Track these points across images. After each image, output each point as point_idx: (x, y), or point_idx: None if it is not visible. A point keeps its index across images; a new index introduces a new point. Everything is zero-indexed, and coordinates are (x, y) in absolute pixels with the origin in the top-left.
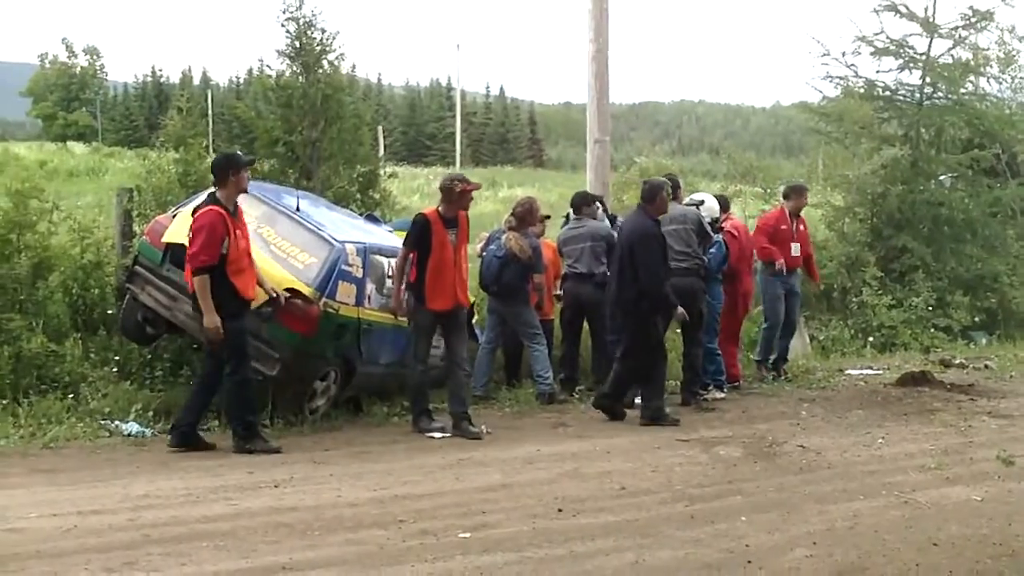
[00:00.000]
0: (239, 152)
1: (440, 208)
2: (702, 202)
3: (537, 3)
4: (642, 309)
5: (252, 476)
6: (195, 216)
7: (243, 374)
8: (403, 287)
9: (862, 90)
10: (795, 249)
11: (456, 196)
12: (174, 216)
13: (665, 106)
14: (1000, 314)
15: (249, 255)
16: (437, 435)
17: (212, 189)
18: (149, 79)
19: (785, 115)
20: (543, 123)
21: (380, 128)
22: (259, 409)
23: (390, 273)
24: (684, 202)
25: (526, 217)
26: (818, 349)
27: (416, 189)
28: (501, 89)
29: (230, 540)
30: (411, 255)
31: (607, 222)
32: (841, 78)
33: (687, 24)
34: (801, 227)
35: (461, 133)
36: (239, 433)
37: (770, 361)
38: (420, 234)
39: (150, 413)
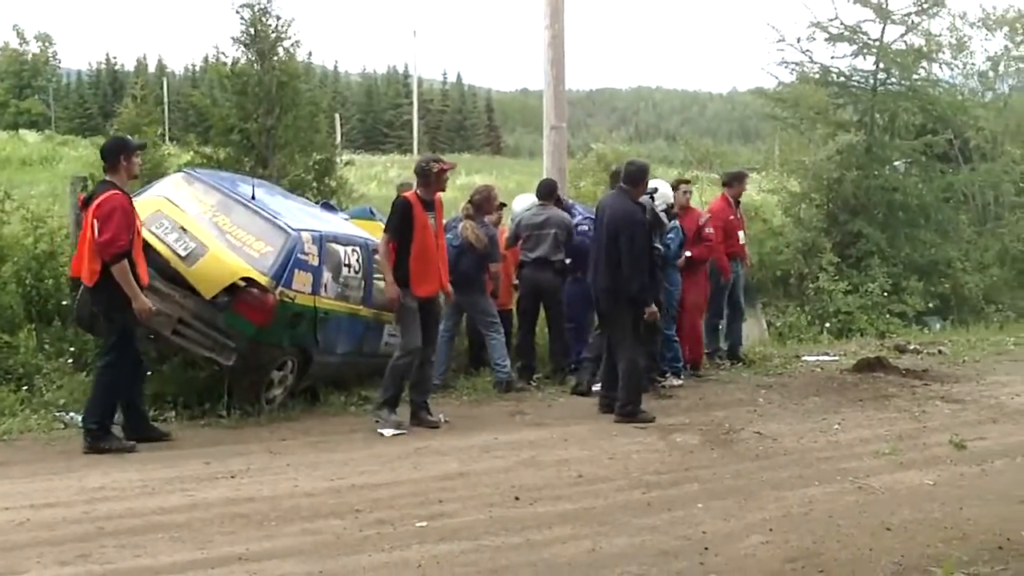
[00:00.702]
0: (129, 137)
1: (419, 191)
2: (655, 190)
3: None
4: (633, 297)
5: (208, 467)
6: (98, 202)
7: (119, 365)
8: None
9: (817, 76)
10: (742, 237)
11: (433, 177)
12: None
13: (622, 92)
14: (953, 299)
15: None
16: (388, 432)
17: (105, 177)
18: (103, 66)
19: (741, 101)
20: (500, 110)
21: (337, 116)
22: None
23: (347, 261)
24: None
25: (483, 205)
26: (775, 335)
27: (373, 176)
28: (458, 76)
29: (186, 531)
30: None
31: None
32: (796, 64)
33: (644, 10)
34: (740, 213)
35: (418, 120)
36: (92, 432)
37: (725, 350)
38: (403, 218)
39: None
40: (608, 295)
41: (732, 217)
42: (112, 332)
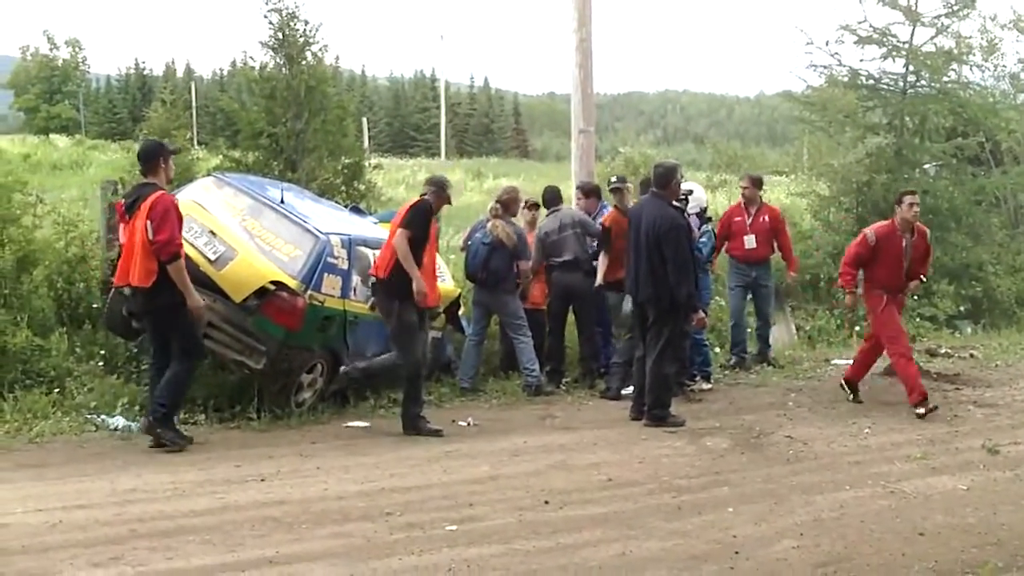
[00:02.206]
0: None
1: (432, 201)
2: (690, 192)
3: None
4: (678, 305)
5: (239, 470)
6: (151, 203)
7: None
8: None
9: (846, 79)
10: (749, 241)
11: (446, 193)
12: None
13: (649, 96)
14: (985, 303)
15: None
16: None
17: (144, 180)
18: (132, 71)
19: (769, 104)
20: (527, 114)
21: (364, 119)
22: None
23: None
24: None
25: (510, 204)
26: (804, 339)
27: (401, 180)
28: (485, 80)
29: (216, 534)
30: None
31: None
32: (825, 67)
33: (671, 13)
34: (764, 218)
35: (446, 124)
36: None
37: (755, 353)
38: (426, 220)
39: (136, 407)
40: (654, 303)
41: (737, 219)
42: (184, 336)
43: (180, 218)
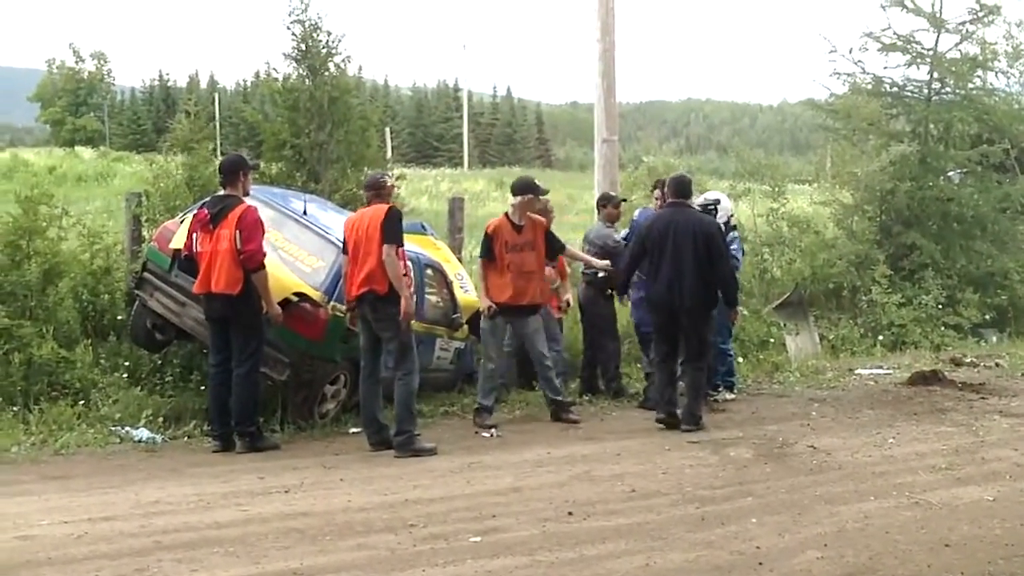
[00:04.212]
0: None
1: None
2: (717, 201)
3: (543, 3)
4: (711, 309)
5: (263, 481)
6: (239, 215)
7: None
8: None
9: (869, 86)
10: None
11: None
12: (182, 221)
13: (672, 104)
14: (1011, 311)
15: None
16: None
17: (224, 192)
18: (156, 83)
19: (792, 112)
20: (550, 123)
21: (387, 130)
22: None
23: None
24: (697, 203)
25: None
26: (828, 348)
27: (424, 191)
28: (508, 89)
29: (240, 546)
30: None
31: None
32: (848, 75)
33: (694, 22)
34: None
35: (468, 134)
36: (250, 434)
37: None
38: (401, 227)
39: (160, 419)
40: (700, 309)
41: None
42: (252, 340)
43: (264, 230)
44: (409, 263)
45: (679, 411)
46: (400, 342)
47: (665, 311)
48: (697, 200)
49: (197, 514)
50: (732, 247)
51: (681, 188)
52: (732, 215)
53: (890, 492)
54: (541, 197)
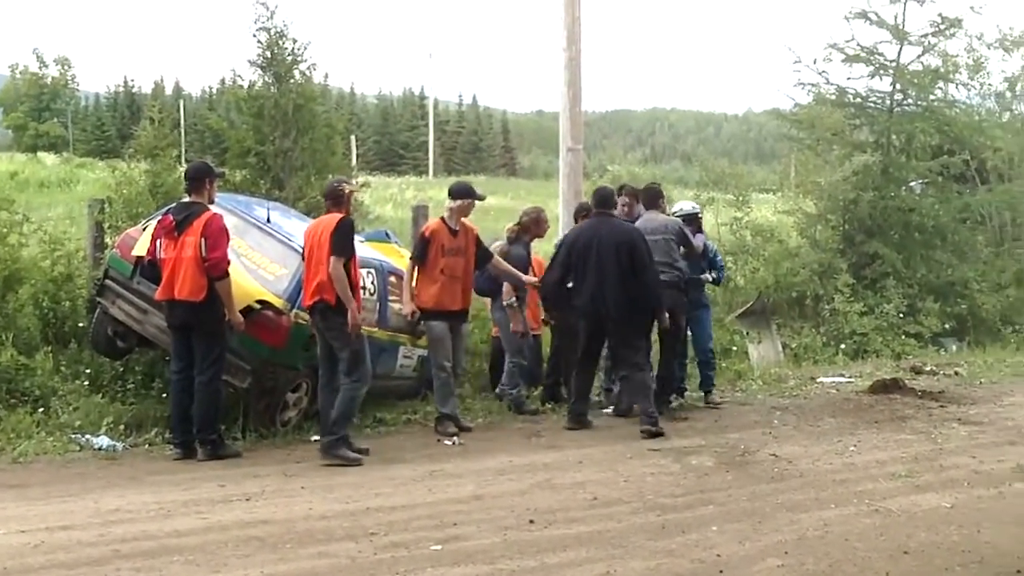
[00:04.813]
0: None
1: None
2: (680, 209)
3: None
4: (636, 317)
5: (224, 489)
6: (205, 222)
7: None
8: None
9: (833, 97)
10: None
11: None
12: (145, 228)
13: (638, 114)
14: (970, 320)
15: None
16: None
17: (189, 199)
18: (121, 89)
19: (757, 122)
20: (516, 131)
21: (353, 137)
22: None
23: (361, 284)
24: (675, 213)
25: (530, 227)
26: (790, 357)
27: (389, 198)
28: (474, 98)
29: (200, 554)
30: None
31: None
32: (813, 85)
33: (660, 32)
34: None
35: (434, 142)
36: (212, 442)
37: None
38: (352, 238)
39: (121, 427)
40: (624, 318)
41: None
42: (214, 347)
43: (229, 238)
44: (365, 272)
45: (590, 419)
46: (351, 351)
47: (591, 321)
48: (673, 209)
49: (157, 522)
50: (717, 258)
51: (605, 199)
52: (695, 214)
53: (850, 499)
54: (477, 201)
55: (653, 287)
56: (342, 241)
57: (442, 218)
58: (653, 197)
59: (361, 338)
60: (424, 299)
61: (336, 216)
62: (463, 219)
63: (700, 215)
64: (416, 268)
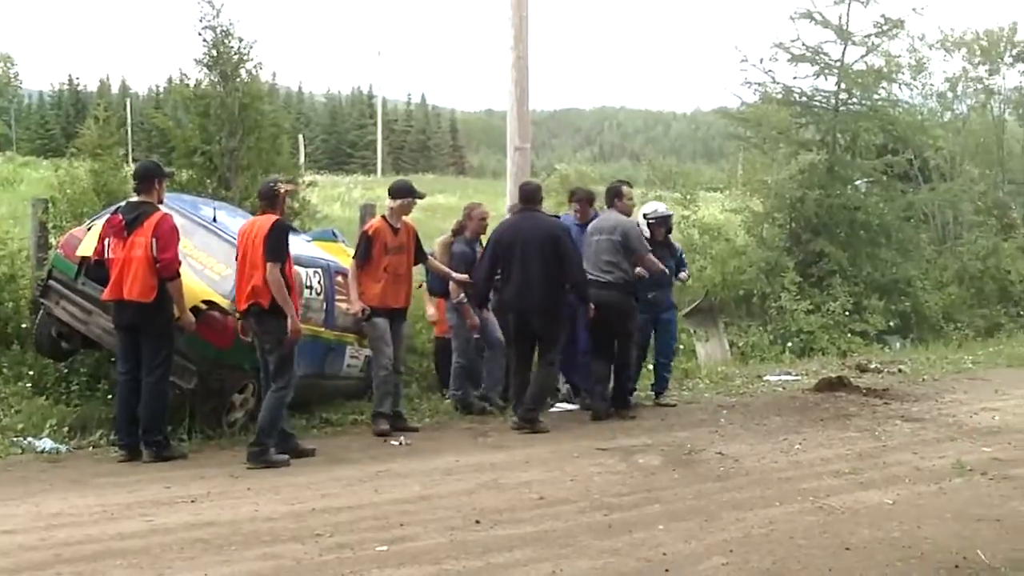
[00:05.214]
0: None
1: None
2: (654, 211)
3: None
4: (561, 312)
5: (169, 491)
6: (156, 222)
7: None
8: None
9: (779, 96)
10: None
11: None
12: (89, 229)
13: (586, 112)
14: (914, 318)
15: None
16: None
17: (137, 198)
18: (66, 87)
19: (705, 121)
20: (465, 130)
21: (301, 136)
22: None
23: (308, 283)
24: (643, 213)
25: (465, 223)
26: (737, 355)
27: (337, 197)
28: (422, 97)
29: (144, 557)
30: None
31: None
32: (759, 84)
33: (608, 31)
34: None
35: (382, 141)
36: (158, 443)
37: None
38: (288, 240)
39: (65, 429)
40: (548, 312)
41: None
42: (163, 348)
43: (179, 238)
44: (312, 272)
45: (534, 413)
46: (280, 356)
47: (517, 316)
48: (646, 211)
49: (100, 525)
50: (684, 258)
51: (530, 195)
52: (667, 219)
53: (795, 497)
54: (418, 200)
55: (578, 282)
56: (277, 245)
57: (383, 216)
58: (610, 195)
59: (292, 343)
60: (368, 297)
61: (271, 217)
62: (404, 217)
63: (657, 220)
64: (358, 267)
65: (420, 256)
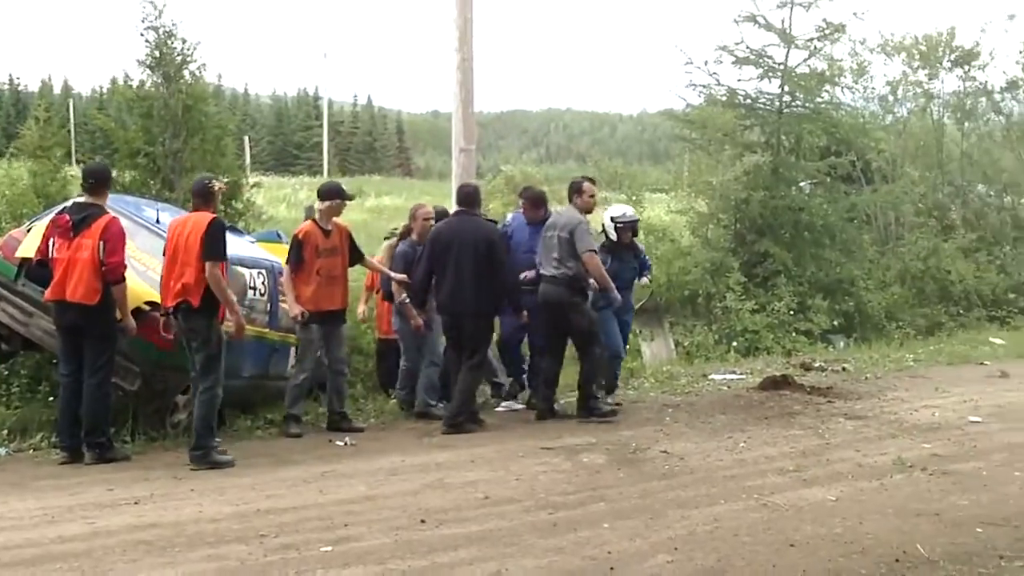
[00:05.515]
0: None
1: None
2: (637, 220)
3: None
4: (492, 315)
5: (112, 493)
6: (104, 225)
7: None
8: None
9: (724, 98)
10: None
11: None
12: (29, 230)
13: (533, 114)
14: (857, 317)
15: None
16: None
17: (85, 199)
18: (6, 87)
19: (651, 122)
20: (411, 132)
21: (246, 138)
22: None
23: (252, 284)
24: (611, 216)
25: (411, 224)
26: (683, 354)
27: (283, 199)
28: (369, 98)
29: (85, 560)
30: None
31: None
32: (704, 86)
33: (555, 32)
34: None
35: (328, 142)
36: (101, 444)
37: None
38: (225, 238)
39: (5, 431)
40: (479, 316)
41: None
42: (106, 350)
43: (126, 242)
44: (256, 273)
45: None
46: (206, 355)
47: (451, 318)
48: (612, 213)
49: (40, 529)
50: (645, 257)
51: (467, 197)
52: (635, 223)
53: (740, 495)
54: (347, 201)
55: (512, 286)
56: (216, 244)
57: (313, 219)
58: (571, 191)
59: (220, 342)
60: (302, 301)
61: (207, 216)
62: (335, 219)
63: (623, 225)
64: (291, 272)
65: (356, 256)
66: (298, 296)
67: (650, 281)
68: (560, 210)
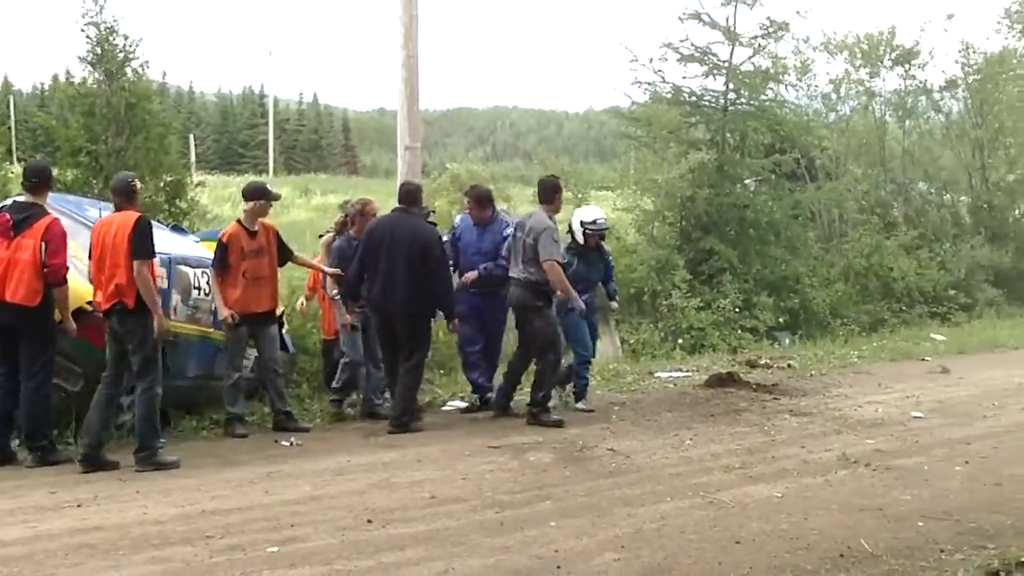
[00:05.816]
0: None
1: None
2: (594, 221)
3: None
4: (425, 316)
5: (54, 496)
6: (46, 226)
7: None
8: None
9: (669, 95)
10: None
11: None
12: None
13: (479, 111)
14: (802, 314)
15: None
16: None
17: (26, 198)
18: None
19: (597, 120)
20: (357, 130)
21: (191, 136)
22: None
23: (196, 284)
24: (581, 220)
25: (355, 219)
26: (628, 352)
27: (228, 197)
28: (314, 96)
29: (27, 565)
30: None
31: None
32: (649, 84)
33: (500, 30)
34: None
35: (274, 141)
36: (44, 447)
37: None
38: (152, 237)
39: None
40: (411, 316)
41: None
42: (44, 352)
43: (67, 243)
44: (200, 272)
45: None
46: (143, 356)
47: (380, 316)
48: (583, 216)
49: None
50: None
51: (407, 195)
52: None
53: (686, 492)
54: (273, 201)
55: (444, 292)
56: (144, 243)
57: (238, 221)
58: (545, 192)
59: (157, 342)
60: (229, 303)
61: (132, 215)
62: (261, 219)
63: (595, 229)
64: (217, 275)
65: (285, 255)
66: (226, 299)
67: (617, 307)
68: (531, 211)
